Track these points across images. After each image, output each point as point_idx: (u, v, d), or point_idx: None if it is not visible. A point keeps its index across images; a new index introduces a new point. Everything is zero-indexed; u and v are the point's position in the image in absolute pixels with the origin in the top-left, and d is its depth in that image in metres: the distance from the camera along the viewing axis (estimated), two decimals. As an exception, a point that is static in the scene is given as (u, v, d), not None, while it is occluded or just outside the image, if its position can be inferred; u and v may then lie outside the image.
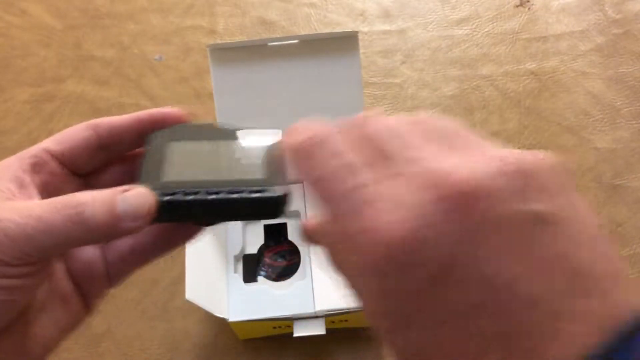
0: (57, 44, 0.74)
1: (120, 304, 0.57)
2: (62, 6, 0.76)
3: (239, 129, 0.29)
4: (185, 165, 0.27)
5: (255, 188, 0.26)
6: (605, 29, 0.72)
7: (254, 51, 0.51)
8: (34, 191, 0.26)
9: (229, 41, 0.71)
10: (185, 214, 0.25)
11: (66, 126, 0.72)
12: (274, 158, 0.27)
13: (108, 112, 0.68)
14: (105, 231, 0.23)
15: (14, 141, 0.67)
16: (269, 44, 0.51)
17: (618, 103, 0.67)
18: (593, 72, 0.69)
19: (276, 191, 0.26)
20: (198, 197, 0.25)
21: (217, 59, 0.52)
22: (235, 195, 0.25)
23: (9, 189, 0.25)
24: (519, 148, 0.65)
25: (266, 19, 0.75)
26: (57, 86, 0.70)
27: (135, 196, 0.24)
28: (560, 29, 0.72)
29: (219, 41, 0.73)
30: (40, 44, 0.74)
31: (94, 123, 0.29)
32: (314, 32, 0.74)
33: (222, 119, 0.53)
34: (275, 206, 0.26)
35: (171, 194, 0.25)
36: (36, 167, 0.26)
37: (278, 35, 0.73)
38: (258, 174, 0.27)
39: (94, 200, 0.23)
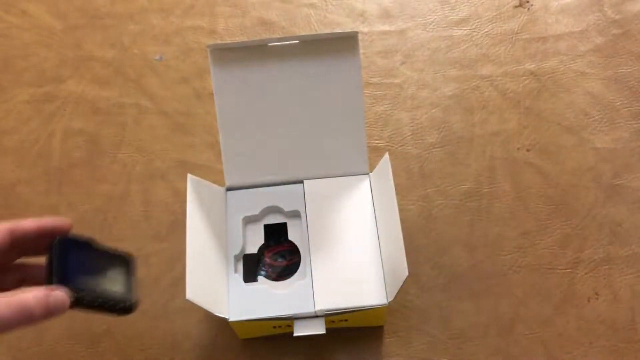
0: (58, 44, 0.74)
1: (120, 304, 0.57)
2: (62, 6, 0.77)
3: (110, 249, 0.45)
4: (83, 273, 0.42)
5: (119, 298, 0.44)
6: (604, 30, 0.72)
7: (254, 51, 0.52)
8: None
9: (229, 41, 0.72)
10: (83, 307, 0.41)
11: (66, 126, 0.72)
12: (128, 275, 0.46)
13: (108, 112, 0.68)
14: (40, 320, 0.36)
15: (15, 141, 0.67)
16: (269, 44, 0.51)
17: (617, 103, 0.67)
18: (592, 72, 0.69)
19: (131, 301, 0.44)
20: (91, 300, 0.41)
21: (217, 59, 0.52)
22: (110, 303, 0.43)
23: None
24: (518, 148, 0.65)
25: (266, 20, 0.75)
26: (57, 86, 0.71)
27: (59, 298, 0.38)
28: (559, 29, 0.72)
29: (219, 41, 0.73)
30: (40, 44, 0.74)
31: (9, 227, 0.40)
32: (314, 32, 0.74)
33: (222, 119, 0.54)
34: (130, 310, 0.44)
35: (77, 295, 0.40)
36: None
37: (278, 36, 0.73)
38: (120, 286, 0.45)
39: (35, 301, 0.36)
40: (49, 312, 0.37)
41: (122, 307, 0.44)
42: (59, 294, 0.38)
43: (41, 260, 0.43)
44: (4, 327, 0.35)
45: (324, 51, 0.52)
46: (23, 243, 0.41)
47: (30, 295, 0.36)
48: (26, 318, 0.36)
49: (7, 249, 0.39)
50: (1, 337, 0.49)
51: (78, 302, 0.40)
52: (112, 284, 0.44)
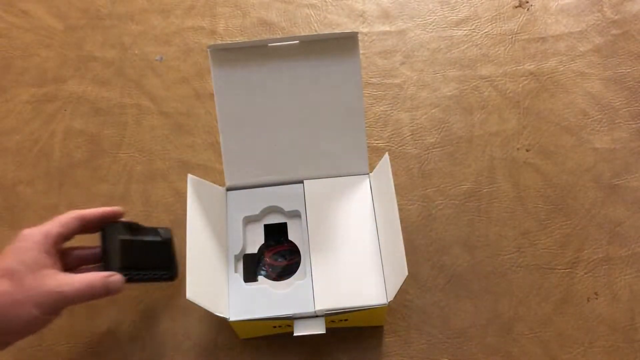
0: (58, 45, 0.74)
1: (121, 304, 0.57)
2: (63, 7, 0.77)
3: (152, 228, 0.54)
4: (131, 254, 0.51)
5: (163, 269, 0.54)
6: (604, 30, 0.72)
7: (254, 52, 0.52)
8: (56, 258, 0.47)
9: (229, 42, 0.72)
10: (135, 282, 0.51)
11: (67, 126, 0.72)
12: (167, 247, 0.55)
13: (109, 113, 0.69)
14: (101, 297, 0.47)
15: (15, 141, 0.67)
16: (269, 44, 0.52)
17: (617, 103, 0.67)
18: (592, 72, 0.69)
19: (173, 271, 0.55)
20: (140, 277, 0.52)
21: (217, 59, 0.52)
22: (156, 276, 0.54)
23: (46, 259, 0.46)
24: (518, 148, 0.65)
25: (266, 20, 0.75)
26: (58, 86, 0.71)
27: (116, 280, 0.48)
28: (559, 29, 0.72)
29: (219, 42, 0.73)
30: (41, 44, 0.74)
31: (80, 214, 0.49)
32: (314, 32, 0.74)
33: (222, 119, 0.54)
34: (174, 278, 0.55)
35: (128, 275, 0.50)
36: (55, 244, 0.47)
37: (278, 36, 0.73)
38: (163, 258, 0.54)
39: (99, 281, 0.47)
40: (108, 291, 0.47)
41: (166, 277, 0.54)
42: (116, 278, 0.48)
43: (95, 243, 0.52)
44: (76, 299, 0.46)
45: (324, 51, 0.52)
46: (87, 226, 0.50)
47: (97, 277, 0.47)
48: (92, 294, 0.46)
49: (77, 232, 0.49)
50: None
51: (130, 280, 0.50)
52: (157, 257, 0.54)
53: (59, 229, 0.47)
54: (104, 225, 0.51)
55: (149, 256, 0.53)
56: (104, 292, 0.47)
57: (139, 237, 0.52)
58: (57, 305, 0.45)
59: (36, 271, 0.44)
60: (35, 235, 0.46)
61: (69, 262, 0.50)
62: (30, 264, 0.45)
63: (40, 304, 0.44)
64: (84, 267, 0.51)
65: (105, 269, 0.49)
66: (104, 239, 0.51)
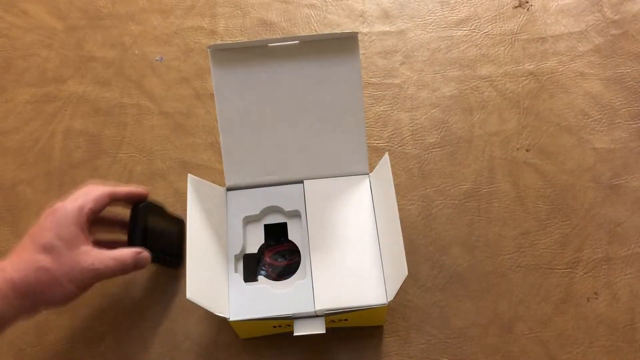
0: (59, 45, 0.74)
1: (121, 303, 0.57)
2: (63, 7, 0.77)
3: (174, 215, 0.58)
4: (157, 235, 0.54)
5: (175, 255, 0.57)
6: (603, 30, 0.72)
7: (254, 52, 0.52)
8: (87, 233, 0.49)
9: (229, 42, 0.72)
10: (153, 263, 0.53)
11: (67, 126, 0.72)
12: (180, 236, 0.58)
13: (109, 113, 0.69)
14: (130, 272, 0.50)
15: (16, 141, 0.67)
16: (269, 44, 0.52)
17: (616, 103, 0.67)
18: (592, 72, 0.69)
19: (180, 260, 0.58)
20: (159, 259, 0.54)
21: (217, 59, 0.52)
22: (170, 261, 0.56)
23: (80, 235, 0.48)
24: (517, 148, 0.65)
25: (266, 20, 0.75)
26: (58, 87, 0.71)
27: (144, 257, 0.51)
28: (559, 29, 0.72)
29: (219, 42, 0.73)
30: (41, 44, 0.74)
31: (111, 192, 0.51)
32: (314, 32, 0.74)
33: (222, 119, 0.54)
34: (180, 265, 0.58)
35: (154, 254, 0.53)
36: (87, 220, 0.49)
37: (278, 36, 0.73)
38: (176, 245, 0.58)
39: (129, 257, 0.50)
40: (137, 266, 0.51)
41: (175, 263, 0.57)
42: (144, 255, 0.51)
43: (121, 215, 0.55)
44: (110, 274, 0.49)
45: (324, 51, 0.52)
46: (115, 202, 0.53)
47: (128, 253, 0.50)
48: (123, 269, 0.49)
49: (105, 208, 0.52)
50: (2, 337, 0.50)
51: (152, 260, 0.53)
52: (172, 243, 0.57)
53: (92, 205, 0.49)
54: (135, 204, 0.53)
55: (167, 240, 0.56)
56: (133, 267, 0.50)
57: (163, 220, 0.56)
58: (91, 282, 0.49)
59: (73, 248, 0.47)
60: (70, 210, 0.48)
61: (101, 231, 0.53)
62: (68, 240, 0.47)
63: (76, 280, 0.47)
64: (112, 241, 0.53)
65: (130, 245, 0.52)
66: (133, 217, 0.53)
